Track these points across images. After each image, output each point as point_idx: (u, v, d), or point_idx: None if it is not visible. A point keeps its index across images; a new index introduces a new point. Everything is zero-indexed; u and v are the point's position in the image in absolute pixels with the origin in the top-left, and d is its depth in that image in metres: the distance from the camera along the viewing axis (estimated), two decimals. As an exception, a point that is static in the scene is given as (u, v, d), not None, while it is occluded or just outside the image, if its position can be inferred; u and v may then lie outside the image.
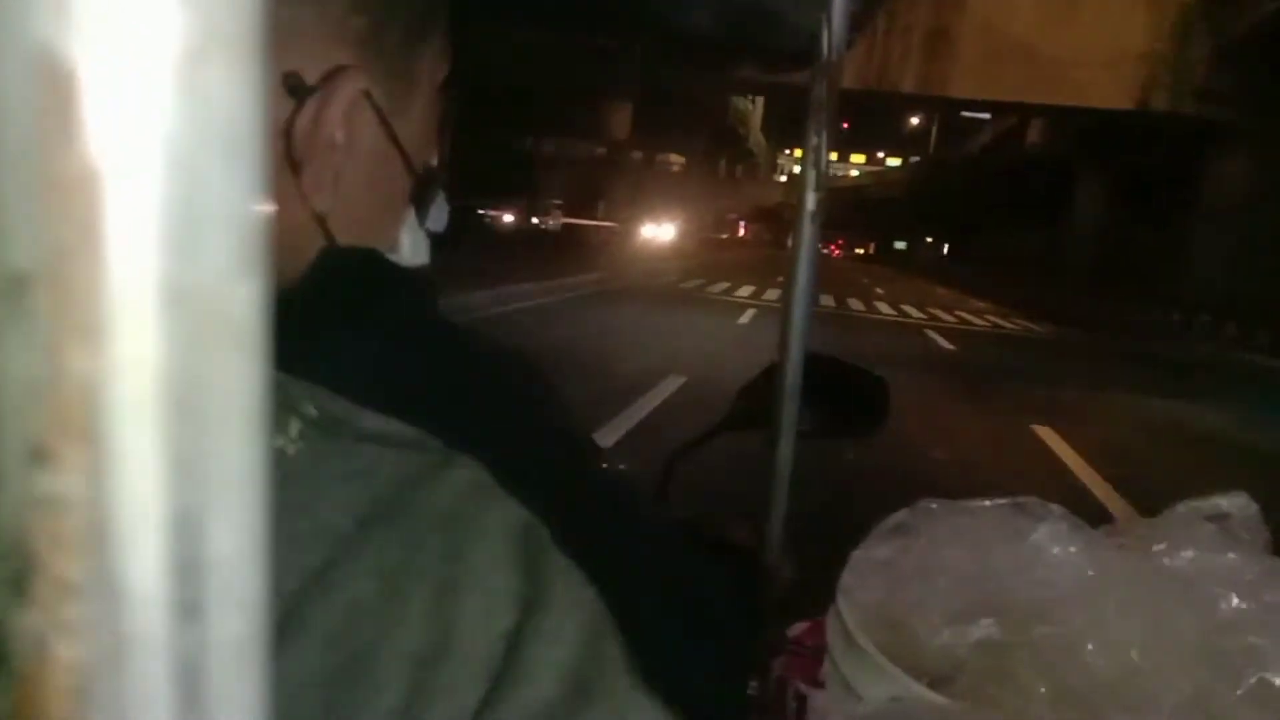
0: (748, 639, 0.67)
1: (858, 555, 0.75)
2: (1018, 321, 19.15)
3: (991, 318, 19.58)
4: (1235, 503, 0.74)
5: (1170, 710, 0.66)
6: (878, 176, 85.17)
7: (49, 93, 0.08)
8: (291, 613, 0.27)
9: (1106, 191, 28.43)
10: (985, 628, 0.67)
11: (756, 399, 1.00)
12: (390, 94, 0.42)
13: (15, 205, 0.08)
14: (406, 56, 0.43)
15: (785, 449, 0.90)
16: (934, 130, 74.43)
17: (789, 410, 0.89)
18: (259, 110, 0.09)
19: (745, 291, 18.67)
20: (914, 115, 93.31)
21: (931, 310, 19.98)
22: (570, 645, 0.29)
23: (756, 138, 57.92)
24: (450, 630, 0.28)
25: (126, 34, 0.08)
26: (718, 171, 61.46)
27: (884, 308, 19.47)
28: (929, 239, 64.53)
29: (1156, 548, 0.72)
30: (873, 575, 0.73)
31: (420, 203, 0.45)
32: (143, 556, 0.09)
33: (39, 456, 0.08)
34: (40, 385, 0.08)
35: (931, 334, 14.43)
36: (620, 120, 30.30)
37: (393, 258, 0.43)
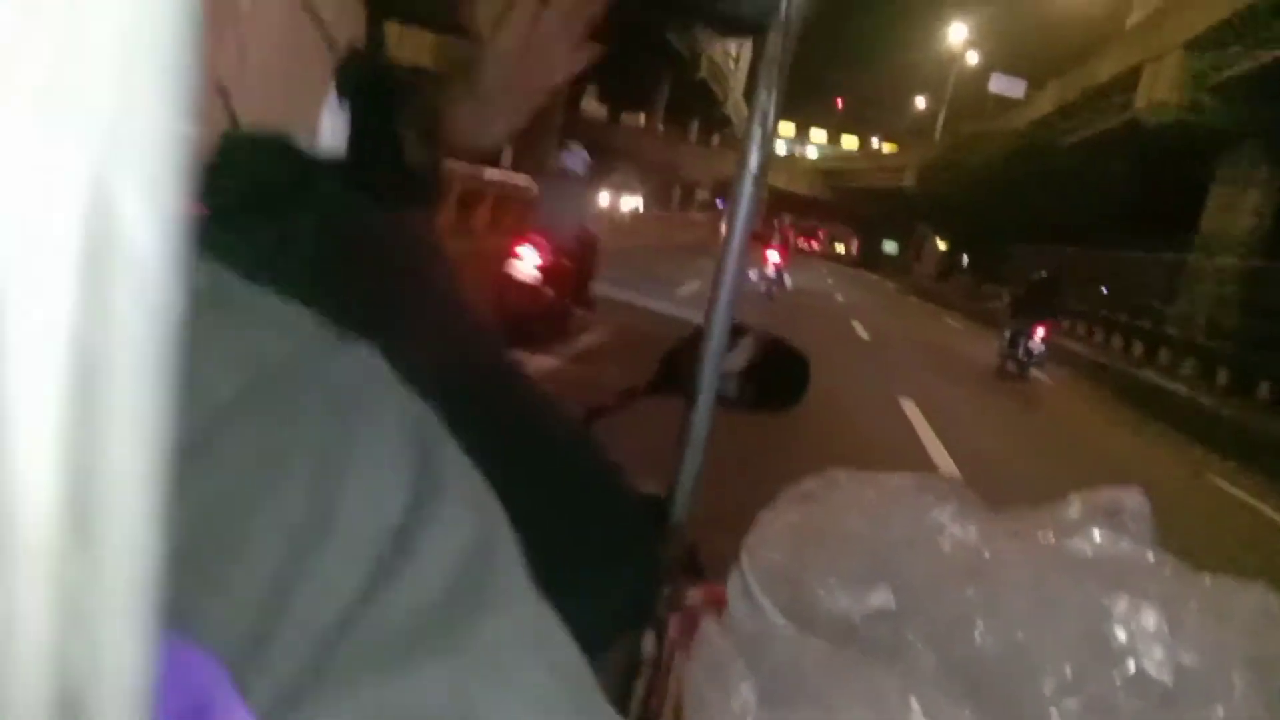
0: (649, 577, 0.67)
1: (765, 517, 0.76)
2: None
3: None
4: (1129, 497, 0.76)
5: (1051, 690, 0.68)
6: (873, 158, 66.60)
7: None
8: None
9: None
10: (881, 597, 0.69)
11: (679, 364, 1.00)
12: None
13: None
14: None
15: (703, 414, 0.90)
16: (941, 116, 58.40)
17: (710, 376, 0.89)
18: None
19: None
20: (919, 95, 73.54)
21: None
22: (463, 541, 0.28)
23: (736, 102, 47.81)
24: (333, 511, 0.26)
25: None
26: (688, 136, 53.25)
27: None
28: (941, 244, 45.74)
29: (1050, 534, 0.74)
30: (778, 538, 0.74)
31: (342, 83, 0.42)
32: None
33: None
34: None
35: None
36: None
37: (308, 143, 0.41)
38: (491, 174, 6.85)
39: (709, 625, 0.60)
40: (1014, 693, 0.68)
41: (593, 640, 0.54)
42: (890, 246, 65.66)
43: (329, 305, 0.31)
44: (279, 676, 0.24)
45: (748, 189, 0.80)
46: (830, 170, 69.24)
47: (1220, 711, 0.64)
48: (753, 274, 14.53)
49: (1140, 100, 20.78)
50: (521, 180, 7.58)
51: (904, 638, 0.67)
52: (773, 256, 17.25)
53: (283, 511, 0.26)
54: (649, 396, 1.03)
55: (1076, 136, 26.46)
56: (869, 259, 66.51)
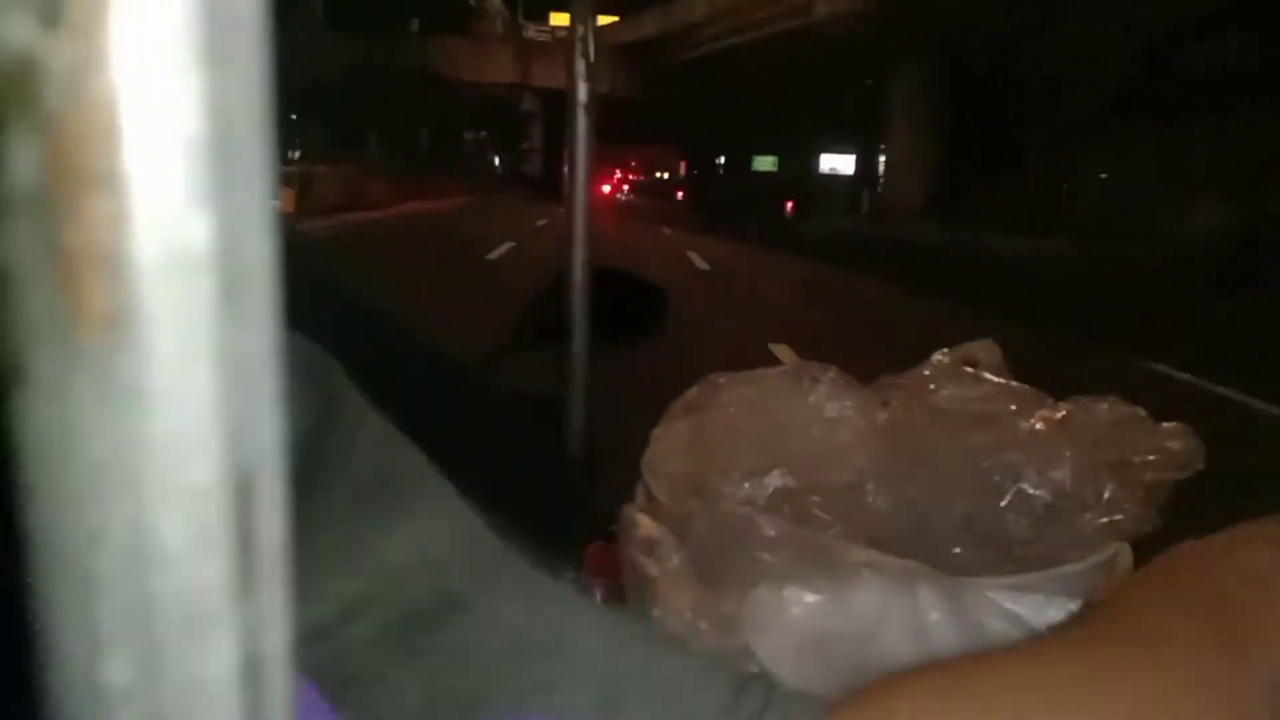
0: (569, 514, 0.69)
1: (657, 433, 0.78)
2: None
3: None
4: (981, 349, 0.82)
5: (942, 533, 0.73)
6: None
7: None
8: None
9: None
10: (779, 478, 0.72)
11: (540, 314, 1.01)
12: None
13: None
14: None
15: (580, 355, 0.92)
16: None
17: (580, 314, 0.90)
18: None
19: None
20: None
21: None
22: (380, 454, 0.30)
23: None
24: None
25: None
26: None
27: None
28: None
29: (918, 394, 0.79)
30: (673, 450, 0.77)
31: None
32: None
33: None
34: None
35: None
36: None
37: None
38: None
39: (631, 511, 0.63)
40: (913, 544, 0.73)
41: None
42: (766, 162, 39.53)
43: None
44: None
45: (581, 123, 0.81)
46: (635, 45, 36.61)
47: (1095, 515, 0.71)
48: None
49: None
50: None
51: (807, 510, 0.71)
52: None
53: None
54: (516, 350, 1.04)
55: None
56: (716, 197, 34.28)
